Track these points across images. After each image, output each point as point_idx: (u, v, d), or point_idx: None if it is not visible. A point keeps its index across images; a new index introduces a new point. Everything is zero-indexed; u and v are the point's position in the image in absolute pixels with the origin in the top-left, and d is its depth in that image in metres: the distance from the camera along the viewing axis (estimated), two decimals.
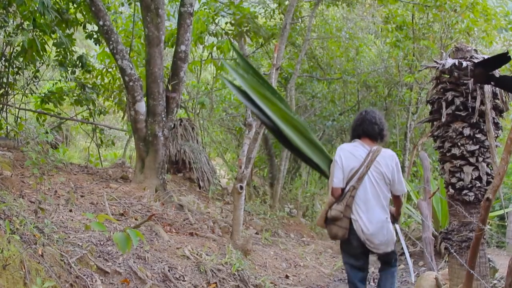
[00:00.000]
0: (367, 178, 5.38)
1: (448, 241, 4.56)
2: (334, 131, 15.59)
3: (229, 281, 6.35)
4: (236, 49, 6.64)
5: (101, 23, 9.03)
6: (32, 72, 11.54)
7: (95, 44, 12.62)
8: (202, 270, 6.25)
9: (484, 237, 4.30)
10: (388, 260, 5.95)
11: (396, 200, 5.71)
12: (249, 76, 5.74)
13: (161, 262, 6.03)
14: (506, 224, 14.38)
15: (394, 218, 5.82)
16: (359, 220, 5.40)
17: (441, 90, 4.63)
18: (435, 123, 4.73)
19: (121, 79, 10.09)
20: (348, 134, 14.72)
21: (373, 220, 5.38)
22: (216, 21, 13.99)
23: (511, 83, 2.83)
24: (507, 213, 13.34)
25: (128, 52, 9.97)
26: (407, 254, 6.27)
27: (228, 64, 6.49)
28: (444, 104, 4.54)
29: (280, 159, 13.46)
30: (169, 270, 5.89)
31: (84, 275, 4.81)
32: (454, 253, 4.45)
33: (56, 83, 12.65)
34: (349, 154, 5.46)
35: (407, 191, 10.98)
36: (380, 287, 6.23)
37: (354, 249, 5.62)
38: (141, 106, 9.15)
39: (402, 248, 10.56)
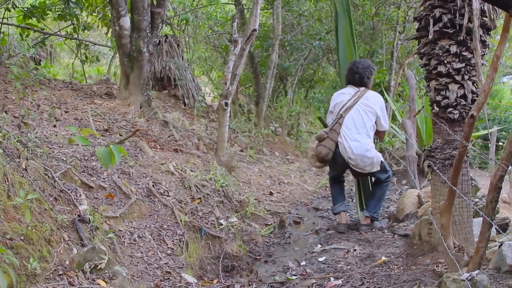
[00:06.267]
0: (354, 109, 6.28)
1: (431, 158, 4.58)
2: (321, 50, 15.40)
3: (213, 196, 6.41)
4: None
5: None
6: None
7: None
8: (186, 186, 6.30)
9: (467, 155, 4.32)
10: (377, 177, 6.48)
11: (379, 134, 6.69)
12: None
13: (146, 178, 6.06)
14: (489, 145, 14.56)
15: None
16: (344, 142, 6.22)
17: (429, 7, 4.56)
18: (422, 40, 4.68)
19: None
20: (334, 54, 14.74)
21: (356, 144, 6.20)
22: None
23: None
24: (490, 133, 13.49)
25: None
26: None
27: None
28: (431, 21, 4.48)
29: (266, 77, 13.35)
30: (153, 185, 5.93)
31: (68, 189, 4.82)
32: (437, 171, 4.47)
33: None
34: (339, 94, 6.58)
35: (393, 110, 11.04)
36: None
37: (340, 165, 6.50)
38: (126, 21, 8.99)
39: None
